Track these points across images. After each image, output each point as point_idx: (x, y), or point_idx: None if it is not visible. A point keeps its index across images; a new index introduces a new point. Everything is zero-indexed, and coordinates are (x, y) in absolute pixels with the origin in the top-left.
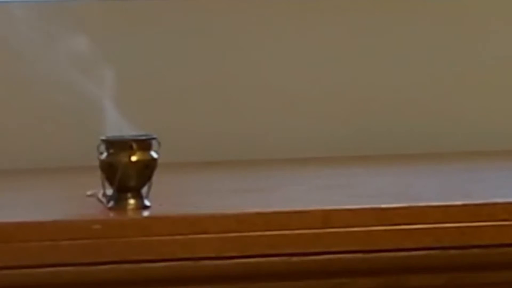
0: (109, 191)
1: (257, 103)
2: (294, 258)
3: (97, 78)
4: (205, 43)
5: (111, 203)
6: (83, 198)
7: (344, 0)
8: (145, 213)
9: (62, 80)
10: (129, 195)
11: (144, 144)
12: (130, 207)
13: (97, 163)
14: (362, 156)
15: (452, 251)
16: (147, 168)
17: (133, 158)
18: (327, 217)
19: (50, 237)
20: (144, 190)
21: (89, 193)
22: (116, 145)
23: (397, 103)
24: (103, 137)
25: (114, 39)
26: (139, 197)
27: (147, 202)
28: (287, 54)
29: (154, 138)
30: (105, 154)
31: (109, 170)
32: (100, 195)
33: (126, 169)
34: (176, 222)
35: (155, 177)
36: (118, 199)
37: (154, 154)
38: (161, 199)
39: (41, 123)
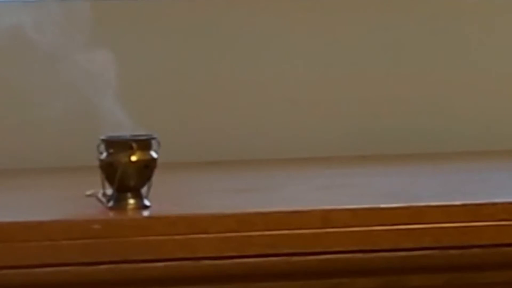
0: (109, 191)
1: (257, 103)
2: (294, 258)
3: (97, 78)
4: (205, 43)
5: (111, 203)
6: (83, 198)
7: (345, 0)
8: (145, 213)
9: (62, 80)
10: (129, 195)
11: (144, 144)
12: (130, 207)
13: (97, 163)
14: (362, 156)
15: (452, 251)
16: (147, 168)
17: (133, 158)
18: (326, 217)
19: (50, 237)
20: (144, 190)
21: (88, 193)
22: (116, 145)
23: (397, 103)
24: (103, 137)
25: (114, 39)
26: (139, 197)
27: (147, 202)
28: (287, 54)
29: (154, 138)
30: (105, 154)
31: (109, 170)
32: (100, 195)
33: (126, 169)
34: (176, 222)
35: (155, 177)
36: (118, 199)
37: (154, 154)
38: (161, 199)
39: (41, 123)
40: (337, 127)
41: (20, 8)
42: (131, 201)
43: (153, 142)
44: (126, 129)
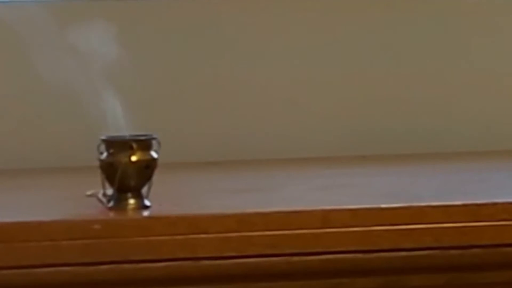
0: (109, 191)
1: (257, 103)
2: (294, 258)
3: (97, 78)
4: (205, 43)
5: (111, 203)
6: (83, 198)
7: (345, 0)
8: (145, 213)
9: (62, 80)
10: (129, 195)
11: (144, 144)
12: (130, 207)
13: (97, 163)
14: (362, 156)
15: (452, 251)
16: (147, 168)
17: (133, 158)
18: (326, 217)
19: (50, 237)
20: (144, 190)
21: (89, 193)
22: (116, 145)
23: (397, 103)
24: (103, 137)
25: (114, 39)
26: (139, 197)
27: (147, 202)
28: (287, 54)
29: (154, 138)
30: (105, 154)
31: (109, 170)
32: (100, 195)
33: (126, 169)
34: (176, 222)
35: (155, 177)
36: (118, 199)
37: (154, 154)
38: (161, 199)
39: (41, 123)
40: (337, 127)
41: (19, 8)
42: (131, 201)
43: (154, 142)
44: (126, 129)
